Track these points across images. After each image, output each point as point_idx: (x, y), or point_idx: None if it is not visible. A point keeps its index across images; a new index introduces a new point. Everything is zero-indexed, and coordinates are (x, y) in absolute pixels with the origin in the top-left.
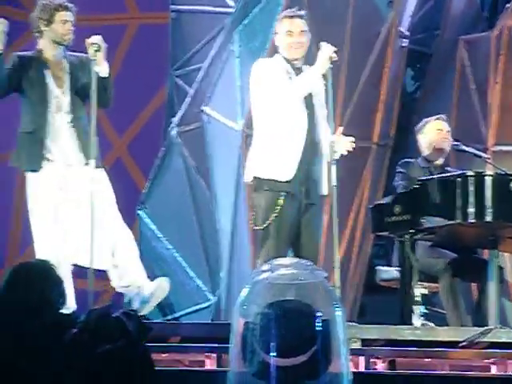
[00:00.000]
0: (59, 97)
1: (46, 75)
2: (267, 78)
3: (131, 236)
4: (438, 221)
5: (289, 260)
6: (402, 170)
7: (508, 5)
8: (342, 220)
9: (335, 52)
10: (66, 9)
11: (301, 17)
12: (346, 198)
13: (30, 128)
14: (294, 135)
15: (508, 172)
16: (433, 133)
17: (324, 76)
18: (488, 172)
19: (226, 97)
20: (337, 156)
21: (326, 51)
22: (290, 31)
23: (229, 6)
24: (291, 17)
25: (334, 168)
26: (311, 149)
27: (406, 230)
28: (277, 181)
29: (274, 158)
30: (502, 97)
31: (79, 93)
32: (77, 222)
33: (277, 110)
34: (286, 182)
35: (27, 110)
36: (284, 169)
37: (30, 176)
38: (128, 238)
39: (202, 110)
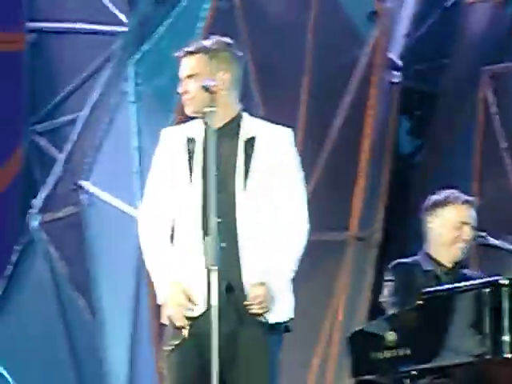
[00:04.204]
0: None
1: None
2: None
3: None
4: (455, 356)
5: None
6: (393, 277)
7: None
8: (308, 352)
9: None
10: None
11: (193, 52)
12: (312, 321)
13: None
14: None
15: None
16: (452, 224)
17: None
18: None
19: (117, 166)
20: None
21: None
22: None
23: (119, 23)
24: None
25: None
26: None
27: (405, 371)
28: None
29: None
30: None
31: None
32: None
33: None
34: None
35: None
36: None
37: None
38: None
39: (80, 187)
